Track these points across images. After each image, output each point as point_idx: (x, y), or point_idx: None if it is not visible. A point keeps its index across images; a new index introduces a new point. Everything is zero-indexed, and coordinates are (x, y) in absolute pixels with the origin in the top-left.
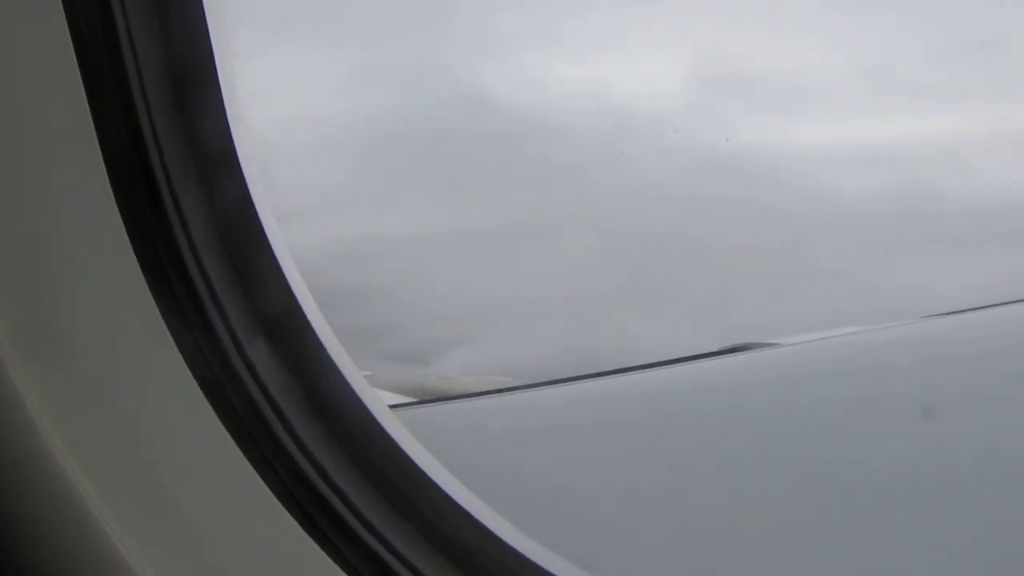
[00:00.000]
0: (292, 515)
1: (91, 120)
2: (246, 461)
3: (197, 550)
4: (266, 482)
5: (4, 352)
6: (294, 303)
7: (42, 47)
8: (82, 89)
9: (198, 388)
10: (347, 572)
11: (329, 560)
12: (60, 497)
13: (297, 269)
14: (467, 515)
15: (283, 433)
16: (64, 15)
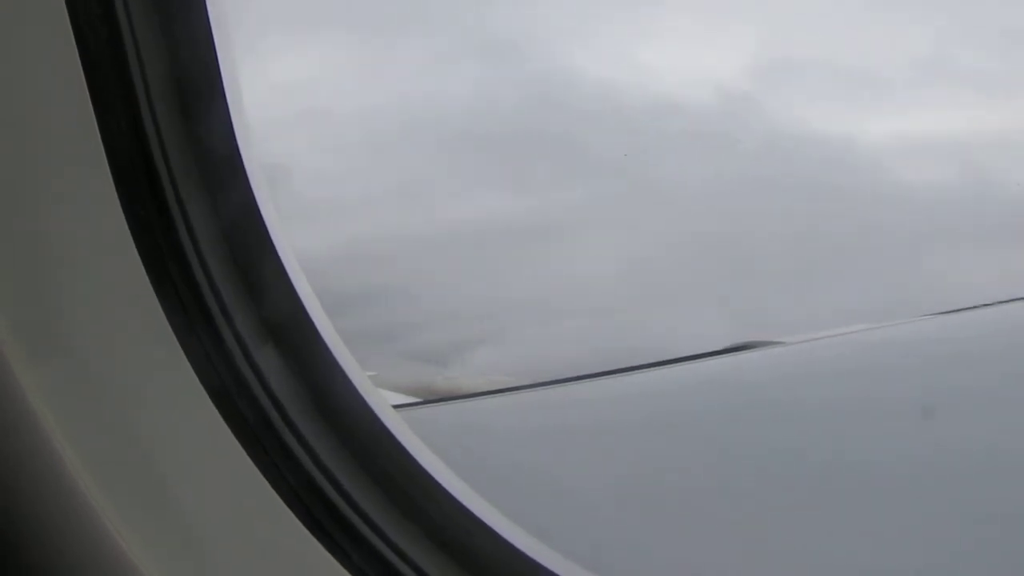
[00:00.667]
0: (296, 515)
1: (95, 119)
2: (250, 461)
3: (200, 550)
4: (270, 482)
5: (7, 351)
6: (298, 304)
7: (45, 47)
8: (85, 88)
9: (201, 388)
10: (351, 573)
11: (333, 560)
12: (64, 497)
13: (302, 270)
14: (471, 515)
15: (287, 433)
16: (67, 14)
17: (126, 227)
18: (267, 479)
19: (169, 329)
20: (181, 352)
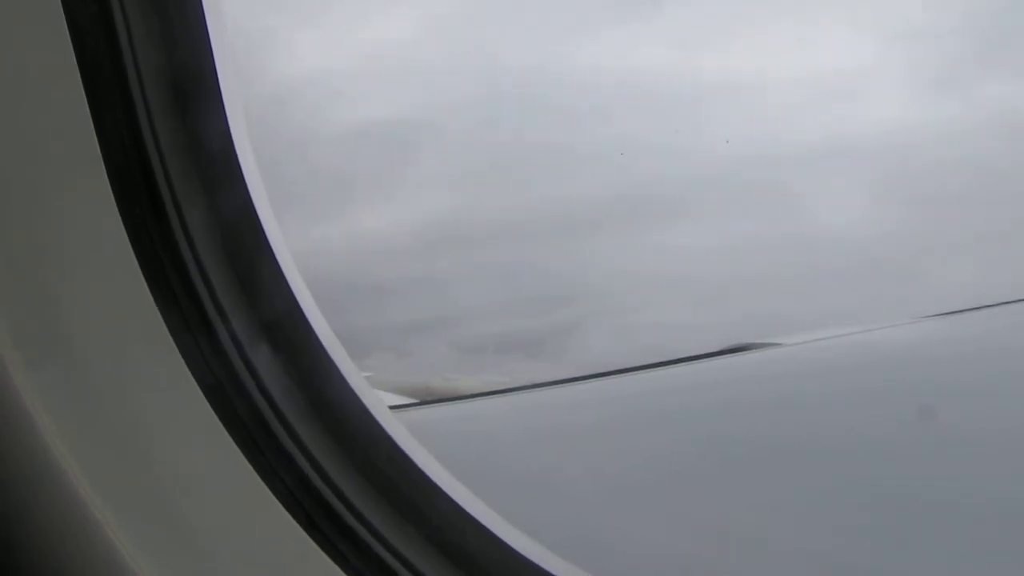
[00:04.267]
0: (292, 516)
1: (91, 121)
2: (247, 463)
3: (197, 551)
4: (267, 483)
5: (7, 358)
6: (295, 306)
7: (41, 48)
8: (82, 89)
9: (198, 390)
10: (347, 573)
11: (331, 563)
12: (61, 498)
13: (298, 271)
14: (468, 515)
15: (285, 436)
16: (64, 18)
17: (123, 228)
18: (264, 480)
19: (166, 331)
20: (178, 353)
